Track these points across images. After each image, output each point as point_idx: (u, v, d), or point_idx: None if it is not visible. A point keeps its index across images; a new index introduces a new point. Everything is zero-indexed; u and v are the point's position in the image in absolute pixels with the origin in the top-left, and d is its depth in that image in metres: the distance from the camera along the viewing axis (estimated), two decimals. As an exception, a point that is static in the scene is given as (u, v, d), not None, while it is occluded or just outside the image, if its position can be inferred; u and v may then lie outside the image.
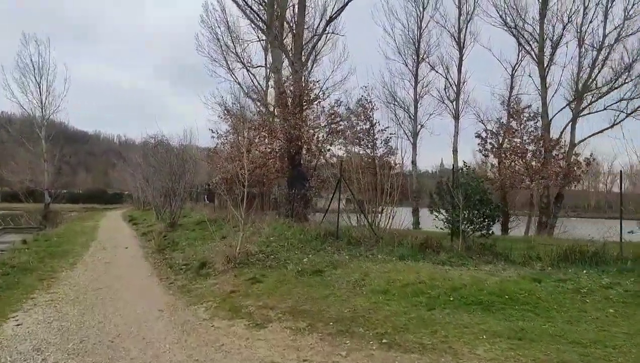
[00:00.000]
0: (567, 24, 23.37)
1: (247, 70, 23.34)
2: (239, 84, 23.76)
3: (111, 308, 7.14)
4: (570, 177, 20.71)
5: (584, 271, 7.62)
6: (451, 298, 5.86)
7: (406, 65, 28.86)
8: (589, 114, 23.77)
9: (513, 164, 20.86)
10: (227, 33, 23.58)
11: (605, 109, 22.93)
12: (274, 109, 18.85)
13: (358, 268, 8.12)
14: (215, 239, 11.71)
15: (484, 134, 22.42)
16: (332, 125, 16.46)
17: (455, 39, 27.57)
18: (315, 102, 16.17)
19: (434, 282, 6.66)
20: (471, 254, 8.82)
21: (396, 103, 28.79)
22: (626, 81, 22.08)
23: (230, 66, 24.01)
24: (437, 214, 10.06)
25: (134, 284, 9.23)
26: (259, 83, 24.08)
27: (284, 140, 15.42)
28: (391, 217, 11.28)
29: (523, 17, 24.64)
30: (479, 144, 21.94)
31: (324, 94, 16.25)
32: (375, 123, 17.53)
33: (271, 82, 25.50)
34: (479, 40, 27.13)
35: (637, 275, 7.07)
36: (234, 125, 18.39)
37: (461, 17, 27.16)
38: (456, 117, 27.44)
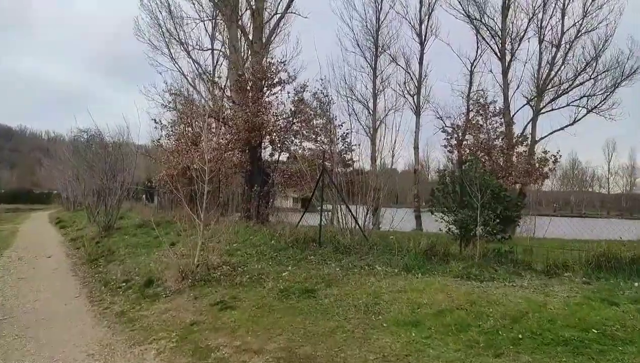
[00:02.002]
0: (532, 18, 23.04)
1: (192, 59, 20.78)
2: (182, 74, 21.20)
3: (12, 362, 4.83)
4: (537, 175, 20.12)
5: (636, 283, 6.30)
6: (519, 336, 4.21)
7: (364, 58, 27.54)
8: (551, 110, 23.66)
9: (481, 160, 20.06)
10: (169, 18, 21.04)
11: (568, 105, 22.87)
12: (230, 94, 16.54)
13: (360, 285, 6.30)
14: (163, 246, 9.43)
15: (449, 129, 21.68)
16: (299, 115, 14.51)
17: (416, 31, 26.61)
18: (280, 87, 14.12)
19: (477, 308, 4.99)
20: (488, 263, 7.29)
21: (354, 97, 27.43)
22: (588, 79, 22.11)
23: (174, 55, 21.44)
24: (443, 215, 8.50)
25: (54, 311, 6.84)
26: (205, 72, 21.68)
27: (243, 130, 13.26)
28: (374, 217, 9.59)
29: (485, 10, 24.12)
30: (444, 139, 21.11)
31: (289, 77, 14.22)
32: (333, 118, 16.17)
33: (223, 68, 23.19)
34: (438, 35, 26.25)
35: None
36: (183, 113, 15.91)
37: (422, 9, 26.21)
38: (417, 113, 26.47)
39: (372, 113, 27.43)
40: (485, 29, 24.20)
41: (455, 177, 8.61)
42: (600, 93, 21.91)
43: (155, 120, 17.63)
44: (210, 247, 8.49)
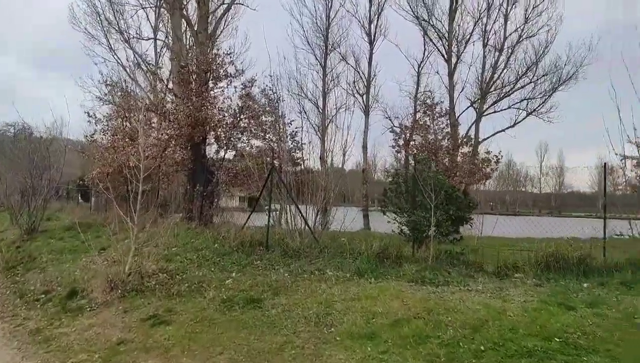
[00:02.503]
0: (477, 21, 23.71)
1: (132, 49, 19.38)
2: (121, 65, 19.71)
3: None
4: (480, 175, 20.67)
5: (585, 284, 6.32)
6: (481, 347, 3.92)
7: (314, 55, 27.14)
8: (493, 112, 24.51)
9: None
10: (108, 5, 19.49)
11: (509, 107, 23.77)
12: (172, 87, 15.50)
13: (310, 293, 5.84)
14: (92, 251, 8.48)
15: (397, 130, 21.84)
16: (246, 111, 13.84)
17: (365, 30, 26.59)
18: (226, 81, 13.35)
19: (435, 316, 4.69)
20: (441, 265, 7.09)
21: (304, 94, 26.98)
22: (529, 82, 23.09)
23: (113, 45, 19.94)
24: (396, 216, 8.23)
25: (-48, 333, 5.84)
26: (145, 62, 20.33)
27: (186, 125, 12.39)
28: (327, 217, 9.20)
29: (433, 12, 24.52)
30: (392, 139, 21.25)
31: (237, 71, 13.49)
32: (282, 115, 15.73)
33: (165, 60, 21.90)
34: (387, 36, 26.36)
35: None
36: (120, 106, 14.70)
37: (372, 8, 26.22)
38: (366, 112, 26.48)
39: (321, 111, 27.10)
40: (433, 30, 24.64)
41: (408, 177, 8.38)
42: (539, 96, 22.96)
43: (88, 113, 16.18)
44: (146, 252, 7.71)
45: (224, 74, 13.37)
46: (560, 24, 22.95)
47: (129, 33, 19.56)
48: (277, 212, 10.71)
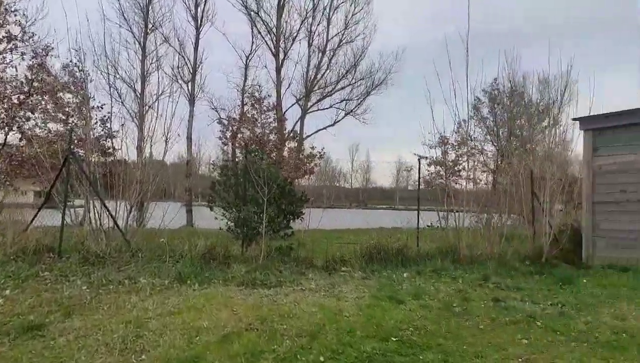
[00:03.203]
0: (304, 21, 24.41)
1: None
2: None
3: None
4: (305, 169, 21.40)
5: (405, 274, 6.65)
6: (320, 358, 3.50)
7: (132, 33, 24.12)
8: (317, 110, 25.71)
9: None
10: None
11: (331, 106, 25.28)
12: None
13: (117, 310, 4.67)
14: None
15: (225, 121, 21.00)
16: (36, 84, 11.22)
17: (191, 13, 24.85)
18: (10, 44, 10.51)
19: (269, 325, 4.12)
20: (272, 263, 6.64)
21: (118, 76, 23.75)
22: (348, 85, 24.90)
23: None
24: (225, 212, 7.44)
25: None
26: None
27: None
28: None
29: (262, 4, 24.37)
30: (219, 131, 20.40)
31: (24, 32, 10.72)
32: (90, 96, 13.55)
33: None
34: (214, 23, 25.19)
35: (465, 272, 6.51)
36: None
37: (198, -11, 24.59)
38: (191, 101, 24.81)
39: (140, 96, 24.28)
40: (262, 23, 24.46)
41: (239, 169, 7.72)
42: (356, 98, 24.97)
43: None
44: None
45: (6, 35, 10.51)
46: (374, 32, 25.42)
47: None
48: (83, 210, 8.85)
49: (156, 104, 8.87)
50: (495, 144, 21.25)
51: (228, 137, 20.26)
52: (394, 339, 3.81)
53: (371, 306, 4.77)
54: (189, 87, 24.82)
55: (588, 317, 4.56)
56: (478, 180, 12.02)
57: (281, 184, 7.44)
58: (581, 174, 9.04)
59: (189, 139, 24.66)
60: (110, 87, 14.83)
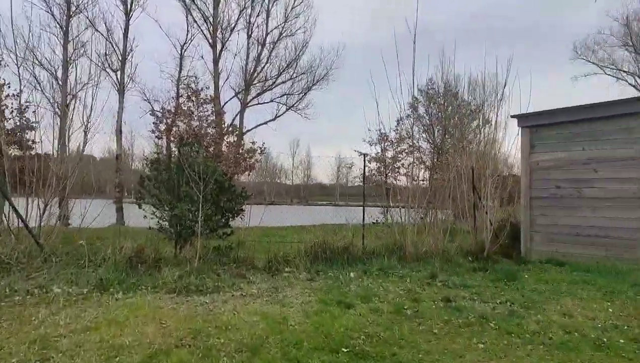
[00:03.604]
0: (242, 11, 23.54)
1: None
2: None
3: None
4: (245, 165, 20.72)
5: (352, 273, 6.35)
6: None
7: (52, 15, 21.93)
8: (257, 104, 24.98)
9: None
10: None
11: (272, 100, 24.66)
12: None
13: (20, 326, 3.91)
14: None
15: (159, 114, 19.69)
16: None
17: (120, -4, 23.02)
18: None
19: (204, 340, 3.60)
20: (209, 266, 6.07)
21: (37, 62, 21.49)
22: (289, 79, 24.38)
23: None
24: (155, 210, 6.71)
25: None
26: None
27: None
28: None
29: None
30: (152, 123, 19.09)
31: None
32: (4, 84, 12.12)
33: None
34: (146, 8, 23.48)
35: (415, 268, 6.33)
36: None
37: (130, -30, 22.88)
38: (121, 91, 23.09)
39: (62, 85, 22.20)
40: (197, 12, 23.28)
41: (171, 163, 7.01)
42: (297, 93, 24.54)
43: None
44: None
45: None
46: (315, 26, 25.12)
47: None
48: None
49: (80, 93, 7.92)
50: (431, 142, 21.80)
51: (162, 130, 18.97)
52: (345, 350, 3.45)
53: (319, 312, 4.38)
54: (118, 76, 23.12)
55: (538, 316, 4.49)
56: (416, 177, 12.09)
57: (220, 179, 6.84)
58: (519, 170, 9.28)
59: (119, 131, 22.95)
60: (30, 74, 13.27)
